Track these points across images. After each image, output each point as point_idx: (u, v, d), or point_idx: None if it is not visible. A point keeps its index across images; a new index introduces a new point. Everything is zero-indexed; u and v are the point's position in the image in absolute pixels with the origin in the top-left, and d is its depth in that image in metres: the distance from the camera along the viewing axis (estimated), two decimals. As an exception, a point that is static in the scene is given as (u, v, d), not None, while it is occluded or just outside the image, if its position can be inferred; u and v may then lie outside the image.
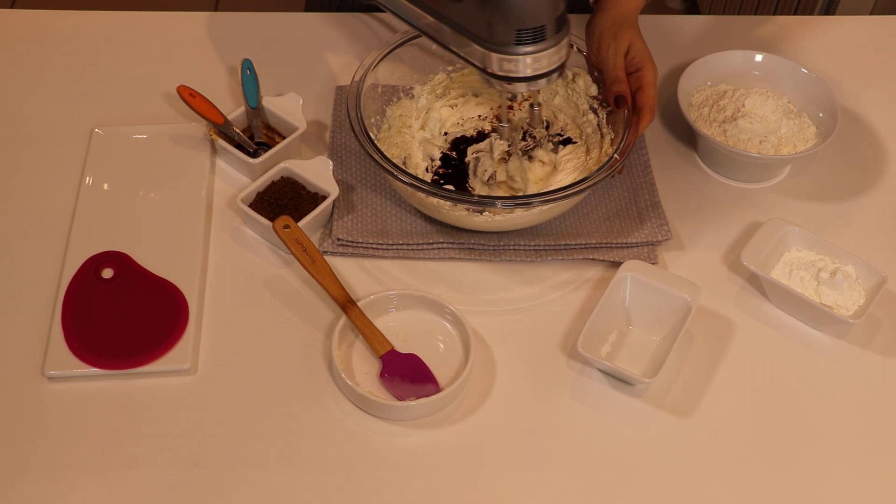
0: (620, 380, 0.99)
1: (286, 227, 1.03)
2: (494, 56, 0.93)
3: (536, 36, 0.91)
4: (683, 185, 1.17)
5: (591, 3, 1.19)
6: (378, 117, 1.15)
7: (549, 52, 0.92)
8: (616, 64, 1.10)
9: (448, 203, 1.02)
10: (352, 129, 1.06)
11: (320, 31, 1.33)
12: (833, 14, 2.03)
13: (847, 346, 1.03)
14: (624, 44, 1.10)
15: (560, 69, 0.95)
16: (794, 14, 2.15)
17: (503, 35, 0.91)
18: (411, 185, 1.02)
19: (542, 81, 0.95)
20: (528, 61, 0.92)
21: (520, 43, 0.91)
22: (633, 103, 1.09)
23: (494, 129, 1.16)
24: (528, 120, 1.15)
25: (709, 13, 2.55)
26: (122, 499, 0.90)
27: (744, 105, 1.18)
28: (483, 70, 0.95)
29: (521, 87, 0.96)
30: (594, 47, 1.14)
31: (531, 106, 1.13)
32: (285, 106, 1.17)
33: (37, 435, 0.93)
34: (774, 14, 2.22)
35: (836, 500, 0.93)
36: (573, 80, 1.18)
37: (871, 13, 2.02)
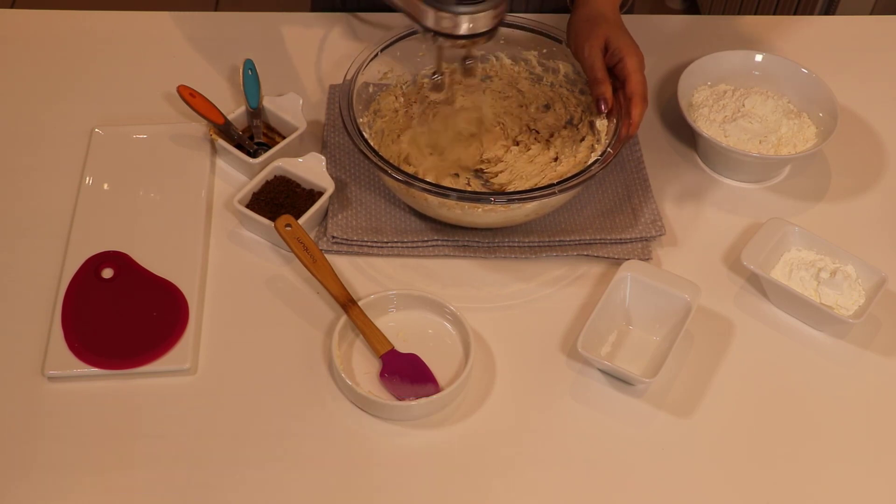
0: (620, 380, 0.99)
1: (288, 226, 1.02)
2: (432, 12, 0.95)
3: None
4: (683, 185, 1.17)
5: (567, 5, 1.18)
6: (371, 115, 1.15)
7: (487, 13, 0.95)
8: (593, 64, 1.08)
9: (439, 200, 1.02)
10: (344, 127, 1.06)
11: (320, 31, 1.33)
12: (833, 14, 2.03)
13: (847, 346, 1.03)
14: (599, 41, 1.08)
15: (495, 29, 0.98)
16: (794, 14, 2.15)
17: None
18: (404, 182, 1.02)
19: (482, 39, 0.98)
20: (465, 19, 0.95)
21: (461, 2, 0.95)
22: (623, 95, 1.07)
23: (433, 79, 1.16)
24: (459, 73, 1.15)
25: (709, 13, 2.55)
26: (122, 499, 0.90)
27: (744, 105, 1.18)
28: (424, 27, 0.97)
29: (462, 43, 0.98)
30: (572, 50, 1.12)
31: (464, 60, 1.11)
32: (285, 106, 1.17)
33: (37, 435, 0.93)
34: (774, 14, 2.22)
35: (836, 500, 0.93)
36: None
37: (871, 13, 2.02)
